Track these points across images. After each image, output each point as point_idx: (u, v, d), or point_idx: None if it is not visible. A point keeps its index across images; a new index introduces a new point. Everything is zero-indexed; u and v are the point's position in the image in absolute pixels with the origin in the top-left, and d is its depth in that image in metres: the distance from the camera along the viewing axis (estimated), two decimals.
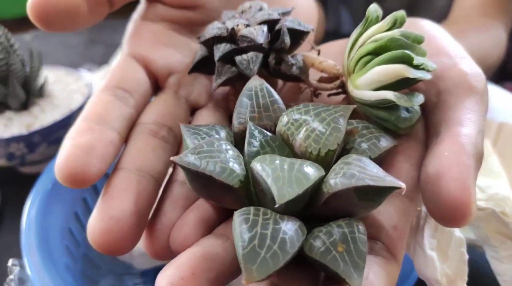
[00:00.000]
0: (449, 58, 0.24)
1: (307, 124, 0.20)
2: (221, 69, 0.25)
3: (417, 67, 0.21)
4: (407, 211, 0.21)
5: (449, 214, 0.18)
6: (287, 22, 0.25)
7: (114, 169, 0.23)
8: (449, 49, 0.24)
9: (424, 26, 0.26)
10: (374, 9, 0.23)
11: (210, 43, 0.26)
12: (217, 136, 0.22)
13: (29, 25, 0.29)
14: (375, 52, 0.22)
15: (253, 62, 0.24)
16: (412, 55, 0.21)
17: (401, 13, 0.23)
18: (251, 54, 0.24)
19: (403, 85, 0.22)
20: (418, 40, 0.23)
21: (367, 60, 0.22)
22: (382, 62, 0.21)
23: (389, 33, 0.22)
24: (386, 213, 0.21)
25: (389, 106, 0.22)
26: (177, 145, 0.25)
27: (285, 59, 0.25)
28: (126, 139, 0.24)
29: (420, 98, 0.22)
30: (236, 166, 0.19)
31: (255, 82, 0.23)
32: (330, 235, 0.18)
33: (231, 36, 0.25)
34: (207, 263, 0.18)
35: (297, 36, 0.25)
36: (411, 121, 0.22)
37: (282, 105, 0.23)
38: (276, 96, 0.23)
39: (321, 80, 0.26)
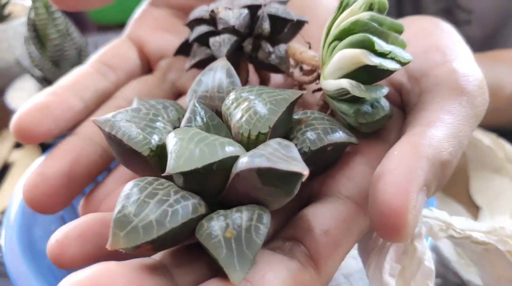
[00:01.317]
0: (442, 55, 0.20)
1: (244, 104, 0.18)
2: (196, 50, 0.24)
3: (382, 55, 0.18)
4: (350, 218, 0.18)
5: (383, 222, 0.15)
6: (271, 8, 0.23)
7: (70, 133, 0.23)
8: (445, 46, 0.21)
9: (424, 21, 0.23)
10: None
11: (192, 26, 0.25)
12: (162, 110, 0.21)
13: None
14: (340, 37, 0.19)
15: (224, 44, 0.23)
16: (374, 39, 0.18)
17: None
18: (224, 36, 0.23)
19: (370, 76, 0.19)
20: (396, 28, 0.19)
21: (333, 47, 0.20)
22: (343, 47, 0.19)
23: (356, 16, 0.19)
24: (320, 214, 0.18)
25: (352, 98, 0.19)
26: None
27: (263, 46, 0.23)
28: (93, 110, 0.24)
29: (382, 91, 0.19)
30: (153, 136, 0.18)
31: (219, 63, 0.22)
32: (223, 219, 0.15)
33: (212, 19, 0.24)
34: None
35: (280, 24, 0.23)
36: (372, 117, 0.19)
37: (238, 84, 0.21)
38: (235, 78, 0.21)
39: (305, 73, 0.24)
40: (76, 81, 0.24)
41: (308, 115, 0.19)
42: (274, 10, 0.23)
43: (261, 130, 0.17)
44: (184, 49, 0.26)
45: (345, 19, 0.20)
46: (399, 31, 0.19)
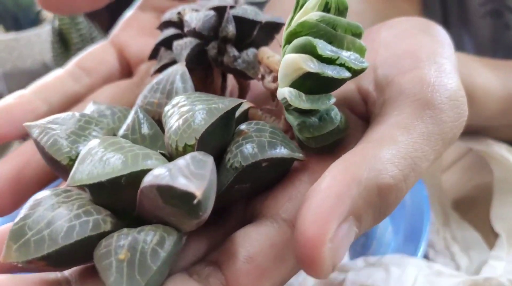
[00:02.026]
0: (413, 61, 0.18)
1: (178, 113, 0.17)
2: (162, 54, 0.23)
3: (330, 61, 0.16)
4: (282, 243, 0.15)
5: (299, 252, 0.13)
6: (238, 10, 0.21)
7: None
8: (421, 50, 0.18)
9: (410, 22, 0.20)
10: None
11: (163, 28, 0.24)
12: (110, 116, 0.19)
13: None
14: (289, 41, 0.17)
15: (185, 47, 0.21)
16: (317, 43, 0.16)
17: None
18: (186, 39, 0.21)
19: (318, 85, 0.16)
20: (353, 31, 0.17)
21: (285, 51, 0.18)
22: (289, 52, 0.17)
23: (306, 17, 0.17)
24: (248, 238, 0.15)
25: (299, 109, 0.17)
26: None
27: (228, 50, 0.21)
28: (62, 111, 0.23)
29: (327, 102, 0.16)
30: (76, 145, 0.17)
31: (175, 68, 0.20)
32: (123, 238, 0.14)
33: (180, 21, 0.23)
34: None
35: (249, 26, 0.21)
36: (319, 131, 0.17)
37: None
38: (187, 84, 0.19)
39: (274, 79, 0.22)
40: (46, 84, 0.24)
41: (251, 127, 0.17)
42: (241, 12, 0.21)
43: (188, 142, 0.15)
44: (157, 53, 0.25)
45: (298, 20, 0.18)
46: (357, 33, 0.17)
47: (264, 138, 0.16)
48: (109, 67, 0.26)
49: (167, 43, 0.22)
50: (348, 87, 0.19)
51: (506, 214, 0.34)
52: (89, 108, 0.20)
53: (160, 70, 0.23)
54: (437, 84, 0.16)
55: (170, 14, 0.23)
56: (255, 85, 0.25)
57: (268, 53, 0.21)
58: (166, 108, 0.17)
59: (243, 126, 0.17)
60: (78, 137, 0.17)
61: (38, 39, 0.53)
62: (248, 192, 0.17)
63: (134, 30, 0.28)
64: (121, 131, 0.18)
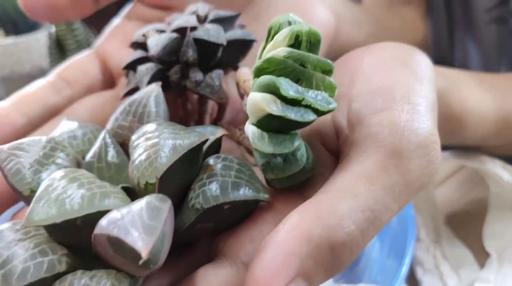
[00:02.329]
0: (387, 100, 0.16)
1: (143, 146, 0.16)
2: (130, 78, 0.22)
3: (294, 101, 0.15)
4: None
5: None
6: (199, 32, 0.20)
7: None
8: (397, 87, 0.17)
9: (392, 51, 0.19)
10: (283, 19, 0.16)
11: (134, 49, 0.23)
12: (80, 137, 0.19)
13: None
14: (257, 75, 0.17)
15: (146, 73, 0.21)
16: (280, 83, 0.15)
17: (307, 28, 0.16)
18: (148, 65, 0.21)
19: (283, 125, 0.15)
20: (323, 67, 0.16)
21: (253, 85, 0.17)
22: (254, 90, 0.16)
23: (273, 52, 0.16)
24: (203, 279, 0.15)
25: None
26: None
27: (190, 75, 0.21)
28: (38, 125, 0.24)
29: (290, 145, 0.15)
30: (39, 174, 0.16)
31: (150, 88, 0.20)
32: (75, 283, 0.13)
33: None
34: None
35: (211, 49, 0.21)
36: (283, 173, 0.16)
37: (161, 120, 0.19)
38: (160, 108, 0.19)
39: None
40: (26, 96, 0.24)
41: (218, 162, 0.17)
42: (203, 34, 0.20)
43: (149, 180, 0.15)
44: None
45: (268, 53, 0.17)
46: (327, 70, 0.16)
47: (228, 177, 0.16)
48: (91, 78, 0.26)
49: (133, 66, 0.22)
50: (324, 119, 0.19)
51: (499, 232, 0.33)
52: (61, 126, 0.20)
53: (128, 94, 0.22)
54: (407, 129, 0.15)
55: (137, 36, 0.22)
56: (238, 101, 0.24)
57: (245, 76, 0.21)
58: (133, 137, 0.17)
59: (211, 160, 0.17)
60: (41, 166, 0.17)
61: (37, 44, 0.52)
62: (211, 231, 0.17)
63: (119, 40, 0.27)
64: (88, 157, 0.18)
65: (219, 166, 0.16)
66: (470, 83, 0.28)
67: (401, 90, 0.17)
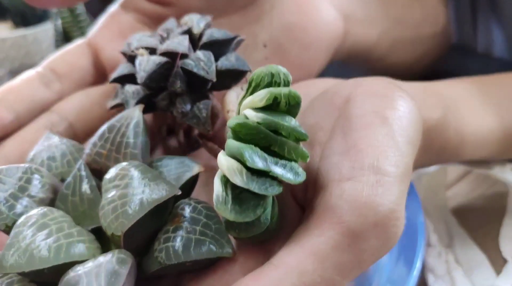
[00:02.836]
0: (354, 168, 0.15)
1: (112, 194, 0.16)
2: (118, 90, 0.21)
3: (261, 172, 0.14)
4: None
5: None
6: (188, 61, 0.19)
7: None
8: (366, 151, 0.16)
9: (372, 98, 0.17)
10: (265, 71, 0.16)
11: (124, 57, 0.22)
12: (59, 159, 0.19)
13: None
14: (232, 134, 0.15)
15: (133, 97, 0.20)
16: (247, 156, 0.14)
17: (287, 91, 0.15)
18: (135, 87, 0.20)
19: (249, 193, 0.15)
20: (297, 136, 0.15)
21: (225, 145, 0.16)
22: (225, 152, 0.15)
23: (248, 114, 0.15)
24: None
25: None
26: None
27: (177, 105, 0.19)
28: (26, 121, 0.24)
29: (252, 214, 0.14)
30: (15, 209, 0.17)
31: (130, 113, 0.19)
32: None
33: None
34: None
35: (200, 81, 0.19)
36: (246, 233, 0.15)
37: (138, 152, 0.18)
38: (138, 140, 0.18)
39: None
40: (14, 90, 0.23)
41: (186, 213, 0.16)
42: (192, 64, 0.19)
43: (115, 232, 0.15)
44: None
45: (245, 108, 0.16)
46: (301, 139, 0.15)
47: (193, 233, 0.16)
48: (82, 72, 0.25)
49: (121, 81, 0.21)
50: None
51: None
52: (43, 140, 0.20)
53: (117, 107, 0.21)
54: (367, 206, 0.14)
55: (127, 46, 0.21)
56: None
57: (229, 106, 0.19)
58: (105, 178, 0.17)
59: (180, 209, 0.16)
60: (16, 200, 0.17)
61: (45, 35, 0.52)
62: (175, 276, 0.17)
63: (112, 32, 0.26)
64: (63, 188, 0.18)
65: (186, 217, 0.16)
66: (472, 104, 0.26)
67: (372, 156, 0.16)
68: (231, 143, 0.14)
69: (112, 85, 0.25)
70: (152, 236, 0.16)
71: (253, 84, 0.16)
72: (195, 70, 0.18)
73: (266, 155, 0.14)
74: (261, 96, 0.15)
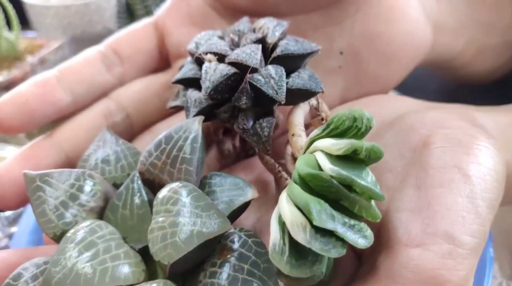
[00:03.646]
0: (426, 232, 0.14)
1: (162, 219, 0.15)
2: (180, 92, 0.20)
3: (326, 231, 0.12)
4: None
5: None
6: (258, 77, 0.17)
7: (48, 133, 0.22)
8: (444, 216, 0.14)
9: (451, 144, 0.15)
10: (348, 115, 0.14)
11: (191, 55, 0.20)
12: (113, 162, 0.19)
13: None
14: (297, 180, 0.14)
15: (194, 105, 0.18)
16: (314, 214, 0.12)
17: (370, 146, 0.13)
18: (199, 94, 0.18)
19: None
20: (372, 195, 0.13)
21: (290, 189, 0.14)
22: (292, 198, 0.13)
23: (324, 165, 0.13)
24: None
25: None
26: (126, 136, 0.23)
27: (239, 120, 0.18)
28: (84, 105, 0.23)
29: (308, 271, 0.13)
30: (64, 219, 0.17)
31: (190, 125, 0.18)
32: None
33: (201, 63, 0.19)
34: None
35: (267, 100, 0.17)
36: (297, 283, 0.13)
37: (193, 169, 0.17)
38: (195, 156, 0.17)
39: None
40: (74, 70, 0.22)
41: (235, 247, 0.15)
42: (261, 81, 0.17)
43: (162, 260, 0.14)
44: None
45: (317, 149, 0.14)
46: (377, 198, 0.13)
47: (241, 272, 0.15)
48: (145, 56, 0.24)
49: (184, 83, 0.19)
50: None
51: None
52: (100, 138, 0.20)
53: (174, 108, 0.21)
54: (434, 281, 0.13)
55: (195, 46, 0.19)
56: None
57: (295, 129, 0.17)
58: (157, 198, 0.16)
59: (229, 241, 0.15)
60: (66, 208, 0.17)
61: (108, 5, 0.51)
62: None
63: (181, 16, 0.24)
64: (114, 199, 0.17)
65: (235, 251, 0.15)
66: None
67: (447, 221, 0.14)
68: (299, 193, 0.13)
69: (174, 74, 0.24)
70: (199, 263, 0.15)
71: (331, 126, 0.14)
72: (264, 88, 0.17)
73: (334, 213, 0.13)
74: (341, 146, 0.13)
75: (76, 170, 0.17)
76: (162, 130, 0.23)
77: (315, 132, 0.15)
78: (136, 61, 0.24)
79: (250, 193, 0.17)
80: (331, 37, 0.23)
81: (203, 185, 0.18)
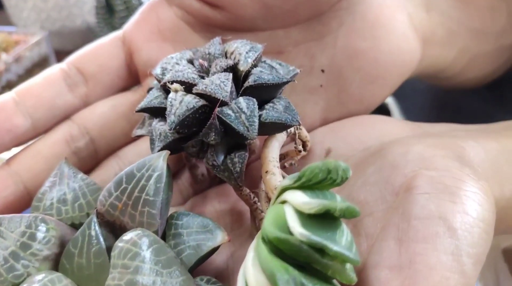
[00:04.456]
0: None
1: (119, 277, 0.13)
2: (146, 120, 0.19)
3: None
4: None
5: None
6: (229, 111, 0.15)
7: (5, 161, 0.20)
8: (428, 273, 0.13)
9: (436, 189, 0.14)
10: (322, 167, 0.12)
11: (158, 79, 0.18)
12: (71, 201, 0.17)
13: None
14: (266, 240, 0.12)
15: (159, 139, 0.16)
16: (281, 283, 0.11)
17: (344, 206, 0.12)
18: (163, 128, 0.17)
19: None
20: (346, 259, 0.12)
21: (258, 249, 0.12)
22: (258, 270, 0.12)
23: (294, 228, 0.12)
24: None
25: None
26: (90, 162, 0.21)
27: (208, 156, 0.16)
28: (48, 128, 0.21)
29: None
30: (15, 272, 0.15)
31: (154, 162, 0.16)
32: None
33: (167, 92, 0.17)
34: None
35: (238, 135, 0.16)
36: None
37: (156, 212, 0.15)
38: (159, 198, 0.15)
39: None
40: (34, 92, 0.21)
41: None
42: (231, 117, 0.15)
43: None
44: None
45: (286, 202, 0.12)
46: (352, 263, 0.12)
47: None
48: (112, 75, 0.22)
49: (150, 112, 0.18)
50: None
51: None
52: (57, 171, 0.18)
53: (141, 136, 0.19)
54: None
55: (161, 71, 0.18)
56: None
57: (269, 166, 0.16)
58: (115, 249, 0.14)
59: None
60: (17, 260, 0.15)
61: None
62: None
63: (150, 30, 0.22)
64: (70, 245, 0.16)
65: None
66: None
67: (429, 282, 0.12)
68: (265, 258, 0.12)
69: (143, 93, 0.22)
70: None
71: (303, 179, 0.12)
72: (234, 124, 0.15)
73: (304, 280, 0.11)
74: (312, 206, 0.12)
75: (28, 215, 0.16)
76: (129, 155, 0.21)
77: (287, 181, 0.13)
78: (102, 80, 0.22)
79: (220, 237, 0.16)
80: (312, 54, 0.21)
81: (169, 225, 0.16)
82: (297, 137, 0.18)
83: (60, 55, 0.48)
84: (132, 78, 0.23)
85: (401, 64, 0.21)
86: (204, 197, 0.21)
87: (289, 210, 0.12)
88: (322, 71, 0.21)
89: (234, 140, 0.16)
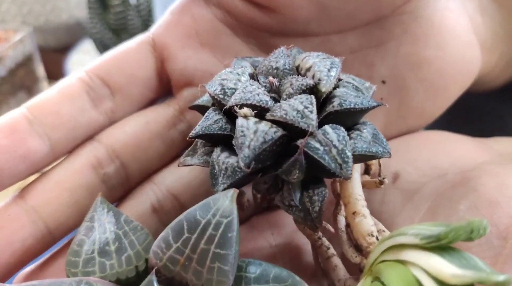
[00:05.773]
0: None
1: None
2: (199, 146, 0.15)
3: None
4: None
5: None
6: (317, 145, 0.13)
7: (17, 193, 0.17)
8: None
9: None
10: (465, 228, 0.10)
11: (213, 100, 0.15)
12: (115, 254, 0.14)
13: None
14: None
15: (226, 175, 0.13)
16: None
17: (500, 280, 0.09)
18: (229, 162, 0.14)
19: None
20: None
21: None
22: None
23: None
24: None
25: None
26: (120, 190, 0.18)
27: (285, 194, 0.13)
28: (69, 151, 0.18)
29: None
30: None
31: (221, 203, 0.13)
32: None
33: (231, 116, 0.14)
34: None
35: (323, 171, 0.13)
36: None
37: (228, 269, 0.12)
38: (232, 249, 0.12)
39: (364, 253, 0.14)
40: (50, 108, 0.17)
41: None
42: (319, 153, 0.13)
43: None
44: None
45: (422, 268, 0.10)
46: None
47: None
48: (142, 87, 0.19)
49: (207, 139, 0.15)
50: None
51: None
52: (90, 215, 0.15)
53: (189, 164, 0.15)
54: None
55: (220, 87, 0.14)
56: None
57: (356, 206, 0.13)
58: None
59: None
60: None
61: None
62: None
63: (185, 33, 0.19)
64: None
65: None
66: None
67: None
68: None
69: (179, 108, 0.19)
70: None
71: (444, 241, 0.10)
72: (324, 162, 0.12)
73: None
74: (464, 279, 0.09)
75: (70, 280, 0.13)
76: (167, 181, 0.18)
77: (411, 238, 0.11)
78: (130, 94, 0.18)
79: None
80: (371, 62, 0.19)
81: (238, 279, 0.13)
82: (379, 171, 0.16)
83: (44, 53, 0.43)
84: (162, 89, 0.20)
85: (465, 73, 0.19)
86: (252, 227, 0.18)
87: (426, 279, 0.10)
88: (383, 82, 0.19)
89: (313, 175, 0.14)
